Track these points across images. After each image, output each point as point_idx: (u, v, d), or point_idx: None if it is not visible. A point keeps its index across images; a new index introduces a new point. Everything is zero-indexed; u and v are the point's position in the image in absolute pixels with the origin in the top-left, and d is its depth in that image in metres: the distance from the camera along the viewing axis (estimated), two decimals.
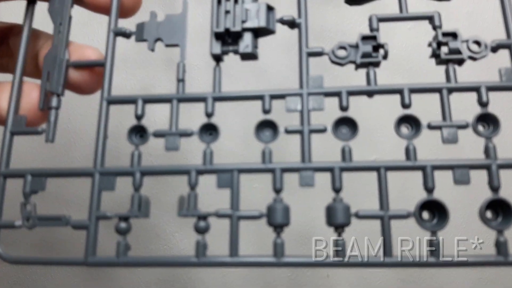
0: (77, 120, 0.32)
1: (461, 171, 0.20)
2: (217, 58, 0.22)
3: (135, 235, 0.21)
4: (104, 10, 0.24)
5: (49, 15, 0.24)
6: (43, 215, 0.21)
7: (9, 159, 0.22)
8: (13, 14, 0.26)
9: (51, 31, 0.24)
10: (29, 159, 0.29)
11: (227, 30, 0.22)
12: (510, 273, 0.35)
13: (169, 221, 0.36)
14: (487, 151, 0.20)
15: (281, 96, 0.22)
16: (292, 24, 0.23)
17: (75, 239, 0.35)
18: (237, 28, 0.22)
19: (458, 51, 0.21)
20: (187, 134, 0.22)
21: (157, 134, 0.22)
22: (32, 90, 0.23)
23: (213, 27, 0.22)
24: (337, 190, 0.20)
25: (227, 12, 0.22)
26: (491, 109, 0.21)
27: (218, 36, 0.22)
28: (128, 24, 0.24)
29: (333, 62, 0.22)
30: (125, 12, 0.25)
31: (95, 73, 0.24)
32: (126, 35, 0.23)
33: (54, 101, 0.23)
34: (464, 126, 0.20)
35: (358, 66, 0.22)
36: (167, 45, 0.23)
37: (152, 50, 0.23)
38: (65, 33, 0.24)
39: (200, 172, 0.21)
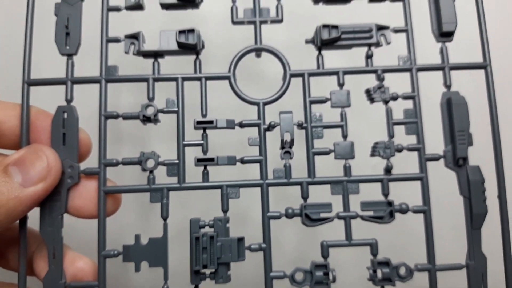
0: None
1: None
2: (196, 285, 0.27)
3: None
4: (91, 217, 0.28)
5: (42, 237, 0.27)
6: None
7: None
8: None
9: None
10: None
11: (204, 265, 0.26)
12: None
13: None
14: None
15: None
16: (260, 249, 0.27)
17: None
18: (213, 266, 0.26)
19: (389, 279, 0.27)
20: None
21: None
22: None
23: (193, 265, 0.26)
24: None
25: (204, 248, 0.26)
26: None
27: (197, 271, 0.26)
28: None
29: (292, 284, 0.27)
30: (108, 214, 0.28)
31: None
32: (115, 256, 0.27)
33: None
34: None
35: None
36: (151, 266, 0.27)
37: (138, 271, 0.27)
38: (60, 258, 0.27)
39: None
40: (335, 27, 0.28)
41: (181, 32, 0.28)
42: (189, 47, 0.28)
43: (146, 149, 0.29)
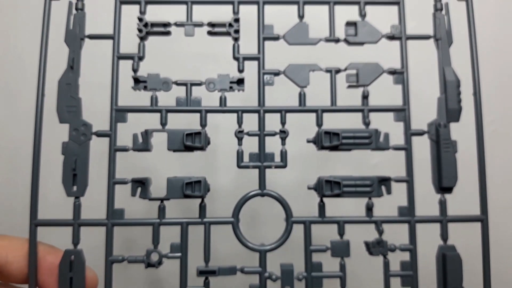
0: None
1: None
2: None
3: None
4: None
5: None
6: None
7: None
8: None
9: None
10: None
11: None
12: None
13: None
14: None
15: None
16: None
17: None
18: None
19: None
20: None
21: None
22: None
23: None
24: None
25: None
26: None
27: None
28: None
29: None
30: None
31: None
32: None
33: None
34: None
35: None
36: None
37: None
38: None
39: None
40: (337, 183, 0.29)
41: (188, 183, 0.29)
42: (195, 197, 0.29)
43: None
